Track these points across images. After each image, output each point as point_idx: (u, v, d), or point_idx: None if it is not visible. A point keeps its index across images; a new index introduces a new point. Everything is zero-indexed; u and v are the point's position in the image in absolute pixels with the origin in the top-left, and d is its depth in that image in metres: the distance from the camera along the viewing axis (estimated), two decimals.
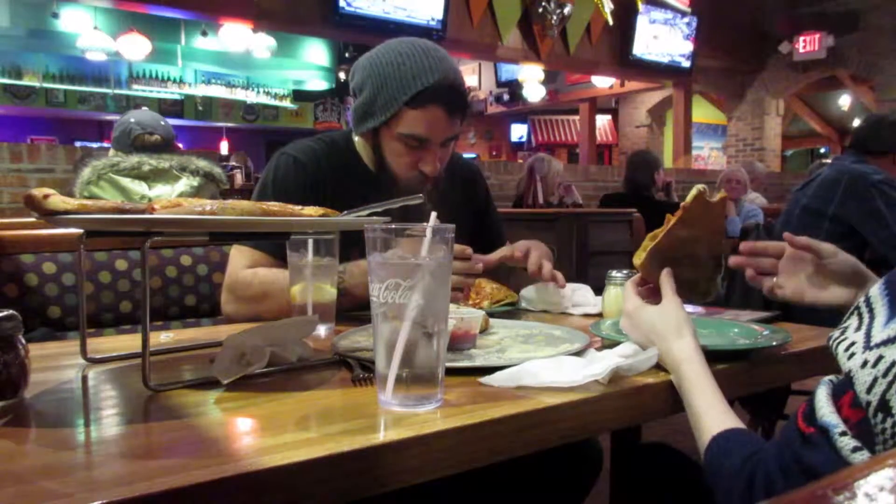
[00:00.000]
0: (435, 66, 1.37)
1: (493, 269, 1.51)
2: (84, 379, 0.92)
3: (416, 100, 1.35)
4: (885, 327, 0.52)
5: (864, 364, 0.51)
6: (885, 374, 0.49)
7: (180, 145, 10.65)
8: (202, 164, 2.25)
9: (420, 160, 1.41)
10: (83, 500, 0.52)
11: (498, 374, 0.84)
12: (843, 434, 0.53)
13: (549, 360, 0.88)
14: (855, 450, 0.52)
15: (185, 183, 2.18)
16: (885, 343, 0.51)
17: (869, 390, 0.50)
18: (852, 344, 0.54)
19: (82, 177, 2.12)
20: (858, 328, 0.56)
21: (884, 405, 0.49)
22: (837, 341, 0.57)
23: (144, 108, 2.69)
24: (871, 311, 0.56)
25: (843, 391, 0.55)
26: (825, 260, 0.97)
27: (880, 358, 0.50)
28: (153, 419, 0.76)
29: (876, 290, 0.57)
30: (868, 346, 0.52)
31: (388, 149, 1.43)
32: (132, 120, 2.35)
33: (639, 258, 1.01)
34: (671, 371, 0.87)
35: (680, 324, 0.89)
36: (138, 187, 2.14)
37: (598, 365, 0.84)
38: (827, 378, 0.58)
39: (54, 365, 0.98)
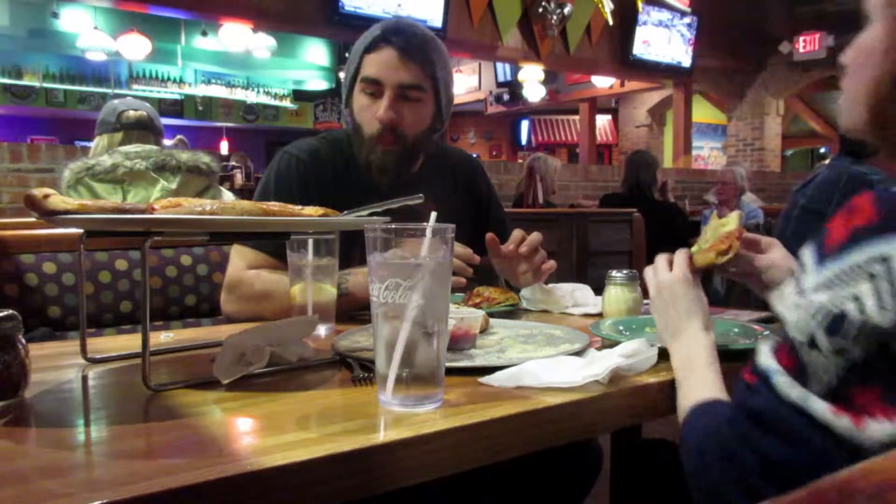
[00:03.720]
0: (394, 19, 1.47)
1: (488, 270, 1.51)
2: (84, 379, 0.92)
3: (371, 45, 1.43)
4: (812, 276, 0.60)
5: (796, 307, 0.60)
6: (813, 316, 0.58)
7: (186, 142, 10.65)
8: (185, 157, 2.16)
9: (379, 108, 1.43)
10: (83, 500, 0.52)
11: (498, 373, 0.85)
12: (780, 374, 0.61)
13: (548, 360, 0.88)
14: (791, 386, 0.60)
15: (162, 188, 2.11)
16: (814, 289, 0.59)
17: (800, 330, 0.59)
18: (786, 294, 0.63)
19: (64, 180, 2.10)
20: (791, 283, 0.64)
21: (812, 341, 0.58)
22: (775, 297, 0.65)
23: (129, 97, 2.66)
24: (803, 267, 0.62)
25: (782, 342, 0.62)
26: (763, 274, 1.02)
27: (810, 303, 0.59)
28: (153, 419, 0.76)
29: (805, 249, 0.63)
30: (799, 293, 0.60)
31: (356, 107, 1.47)
32: (116, 102, 2.38)
33: (699, 261, 0.99)
34: (681, 348, 0.88)
35: (710, 320, 0.92)
36: (113, 197, 2.09)
37: (598, 365, 0.84)
38: (769, 333, 0.65)
39: (54, 365, 0.98)
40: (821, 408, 0.58)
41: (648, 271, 1.00)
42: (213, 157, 2.28)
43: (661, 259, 0.99)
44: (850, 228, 0.58)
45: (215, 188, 2.27)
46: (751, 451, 0.63)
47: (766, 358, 0.64)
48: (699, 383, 0.81)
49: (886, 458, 0.35)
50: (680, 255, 0.97)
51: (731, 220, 1.01)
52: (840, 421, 0.57)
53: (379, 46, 1.41)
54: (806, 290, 0.60)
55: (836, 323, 0.57)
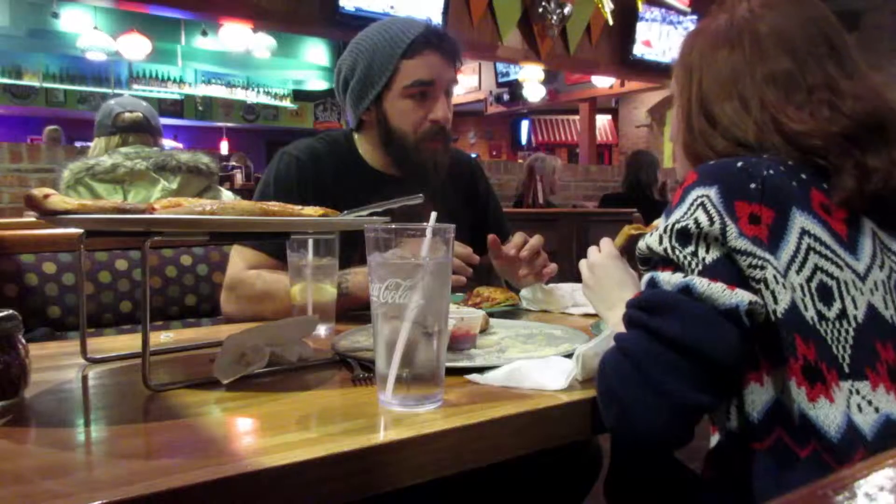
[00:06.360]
0: (419, 21, 1.46)
1: (487, 270, 1.51)
2: (84, 379, 0.92)
3: (411, 49, 1.41)
4: (662, 224, 0.82)
5: (652, 235, 0.82)
6: (665, 233, 0.80)
7: (181, 145, 10.63)
8: (184, 157, 2.17)
9: (429, 111, 1.44)
10: (83, 500, 0.52)
11: (489, 373, 0.85)
12: (662, 273, 0.78)
13: (540, 360, 0.88)
14: (672, 275, 0.77)
15: (162, 188, 2.12)
16: (664, 226, 0.80)
17: (661, 243, 0.80)
18: (646, 238, 0.83)
19: (63, 180, 2.09)
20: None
21: (673, 248, 0.79)
22: (641, 240, 0.85)
23: (126, 94, 2.66)
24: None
25: (659, 265, 0.81)
26: None
27: (663, 228, 0.80)
28: (153, 419, 0.76)
29: (663, 216, 0.85)
30: (659, 230, 0.81)
31: (395, 112, 1.45)
32: (112, 102, 2.36)
33: (617, 242, 1.13)
34: (617, 316, 0.92)
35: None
36: (113, 197, 2.10)
37: (572, 363, 0.84)
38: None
39: (54, 365, 0.98)
40: (699, 281, 0.74)
41: (581, 261, 1.10)
42: (212, 157, 2.28)
43: (591, 248, 1.10)
44: (682, 189, 0.82)
45: (215, 189, 2.27)
46: (646, 336, 0.74)
47: (648, 274, 0.81)
48: None
49: (885, 457, 0.35)
50: (604, 239, 1.10)
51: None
52: (716, 286, 0.73)
53: (422, 52, 1.42)
54: (661, 227, 0.81)
55: (682, 234, 0.78)
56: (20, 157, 3.89)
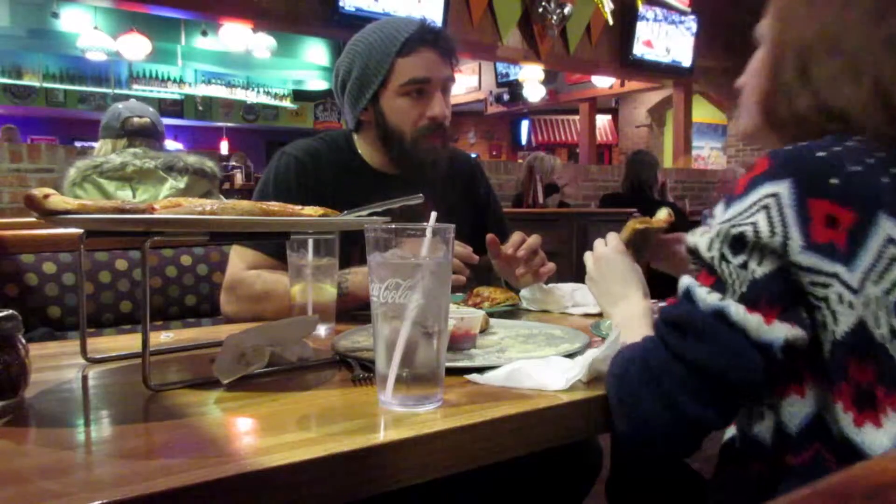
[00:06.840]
0: (413, 20, 1.46)
1: (487, 270, 1.51)
2: (84, 379, 0.92)
3: (405, 47, 1.41)
4: (719, 216, 0.74)
5: (704, 234, 0.74)
6: (717, 237, 0.72)
7: (181, 145, 10.58)
8: (191, 160, 2.20)
9: (426, 108, 1.44)
10: (83, 500, 0.52)
11: (489, 373, 0.85)
12: (700, 287, 0.72)
13: (540, 360, 0.88)
14: (709, 293, 0.71)
15: (171, 186, 2.14)
16: (719, 223, 0.73)
17: (710, 249, 0.72)
18: (698, 231, 0.76)
19: (69, 177, 2.11)
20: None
21: (722, 256, 0.71)
22: (689, 234, 0.77)
23: (133, 99, 2.68)
24: (714, 215, 0.76)
25: (701, 269, 0.75)
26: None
27: (717, 229, 0.72)
28: (153, 419, 0.76)
29: (718, 204, 0.78)
30: (709, 229, 0.74)
31: (392, 111, 1.45)
32: (121, 106, 2.38)
33: (623, 236, 1.12)
34: (620, 312, 0.95)
35: (646, 288, 0.99)
36: (122, 193, 2.12)
37: (580, 365, 0.84)
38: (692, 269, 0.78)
39: (54, 365, 0.98)
40: (735, 308, 0.68)
41: (587, 253, 1.09)
42: (215, 161, 2.31)
43: (597, 240, 1.09)
44: (750, 178, 0.73)
45: (216, 195, 2.28)
46: (670, 354, 0.72)
47: (687, 280, 0.74)
48: (635, 337, 0.82)
49: (885, 458, 0.35)
50: (611, 234, 1.08)
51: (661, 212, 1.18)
52: (752, 318, 0.67)
53: (418, 49, 1.42)
54: (713, 225, 0.74)
55: (736, 241, 0.70)
56: (20, 157, 3.88)
